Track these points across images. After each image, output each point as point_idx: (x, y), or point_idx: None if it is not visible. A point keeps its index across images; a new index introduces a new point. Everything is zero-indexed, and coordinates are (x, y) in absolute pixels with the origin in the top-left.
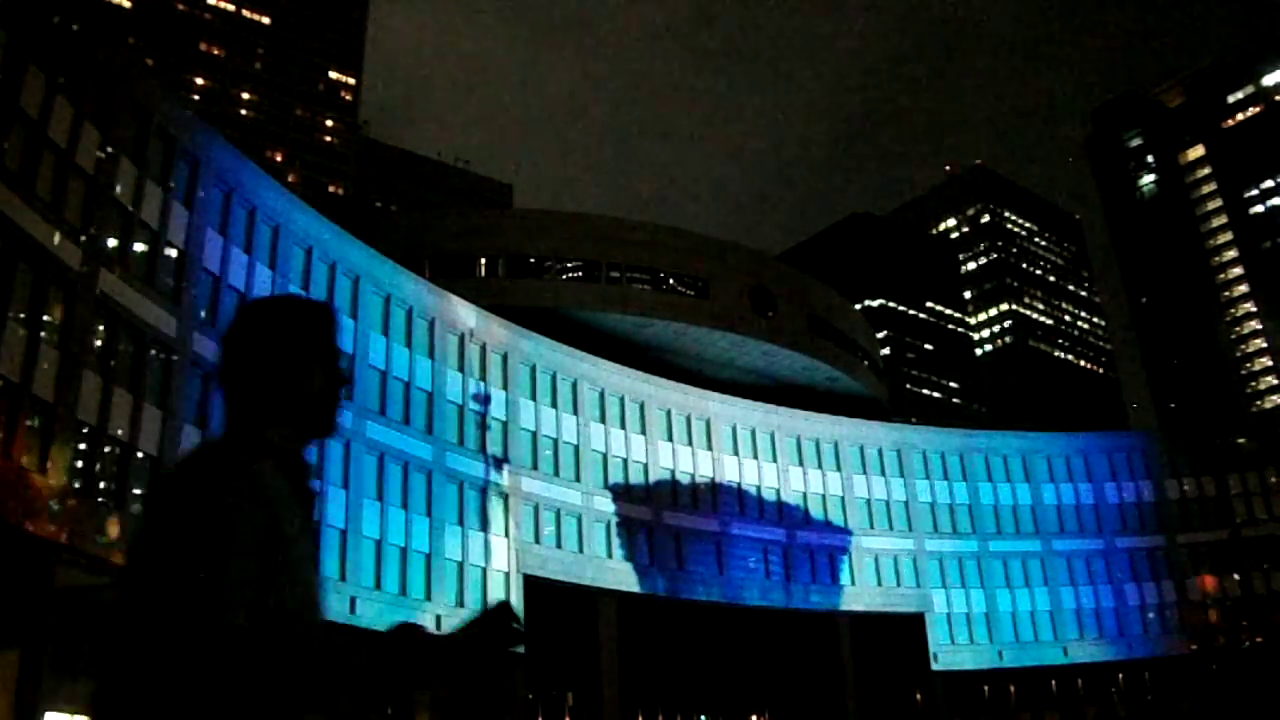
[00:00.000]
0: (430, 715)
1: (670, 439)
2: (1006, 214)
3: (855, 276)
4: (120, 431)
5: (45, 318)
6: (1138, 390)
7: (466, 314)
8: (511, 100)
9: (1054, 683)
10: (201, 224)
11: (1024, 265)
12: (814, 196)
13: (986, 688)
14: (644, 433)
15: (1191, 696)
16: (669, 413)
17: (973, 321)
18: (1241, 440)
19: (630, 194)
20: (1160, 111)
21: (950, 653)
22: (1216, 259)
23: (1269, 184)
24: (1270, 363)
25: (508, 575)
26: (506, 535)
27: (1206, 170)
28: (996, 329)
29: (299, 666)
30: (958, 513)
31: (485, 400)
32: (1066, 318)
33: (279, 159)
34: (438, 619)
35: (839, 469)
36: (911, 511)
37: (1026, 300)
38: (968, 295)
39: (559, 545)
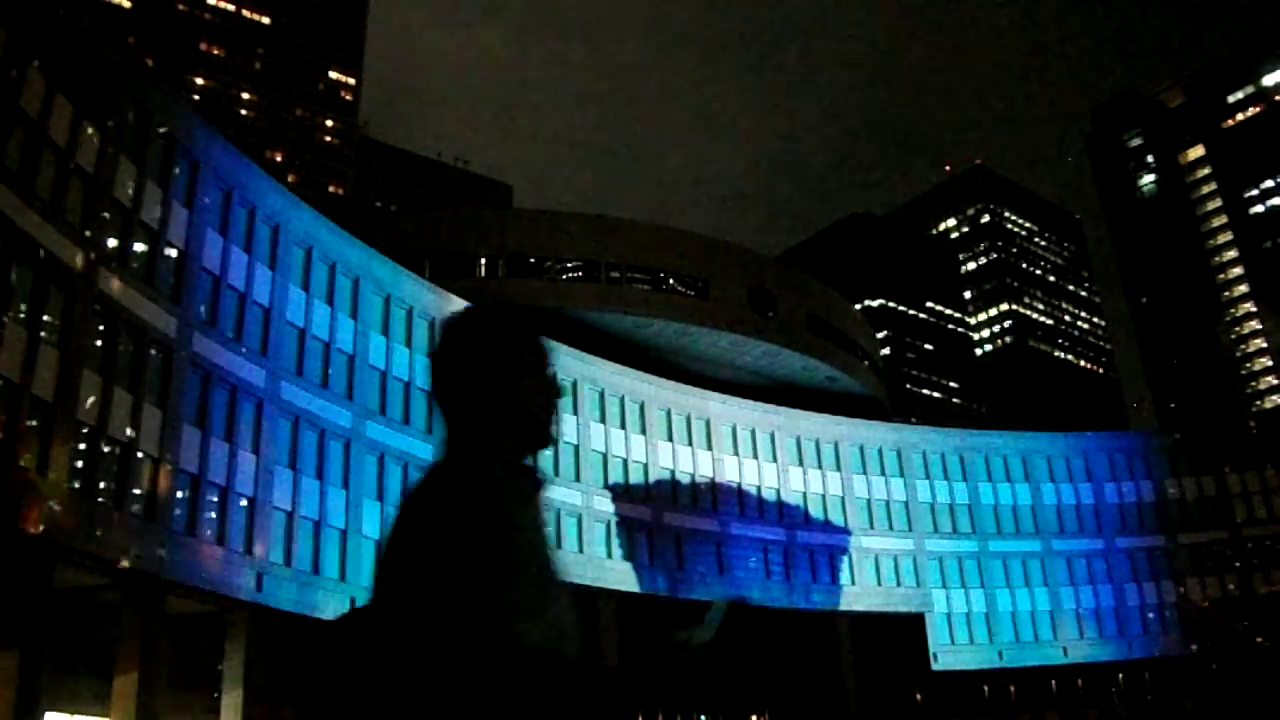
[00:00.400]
0: None
1: (670, 439)
2: (1006, 214)
3: (855, 276)
4: (120, 432)
5: (45, 318)
6: (1138, 390)
7: None
8: (511, 100)
9: (1054, 683)
10: (201, 224)
11: (1024, 265)
12: (814, 196)
13: (986, 688)
14: (644, 433)
15: (1192, 696)
16: (669, 413)
17: (973, 321)
18: (1241, 440)
19: (630, 194)
20: (1160, 111)
21: (950, 653)
22: (1216, 259)
23: (1269, 184)
24: (1270, 363)
25: None
26: None
27: (1206, 170)
28: (996, 329)
29: (585, 687)
30: (958, 513)
31: None
32: (1066, 318)
33: (279, 159)
34: None
35: (839, 469)
36: (911, 511)
37: (1026, 300)
38: (968, 295)
39: (559, 545)
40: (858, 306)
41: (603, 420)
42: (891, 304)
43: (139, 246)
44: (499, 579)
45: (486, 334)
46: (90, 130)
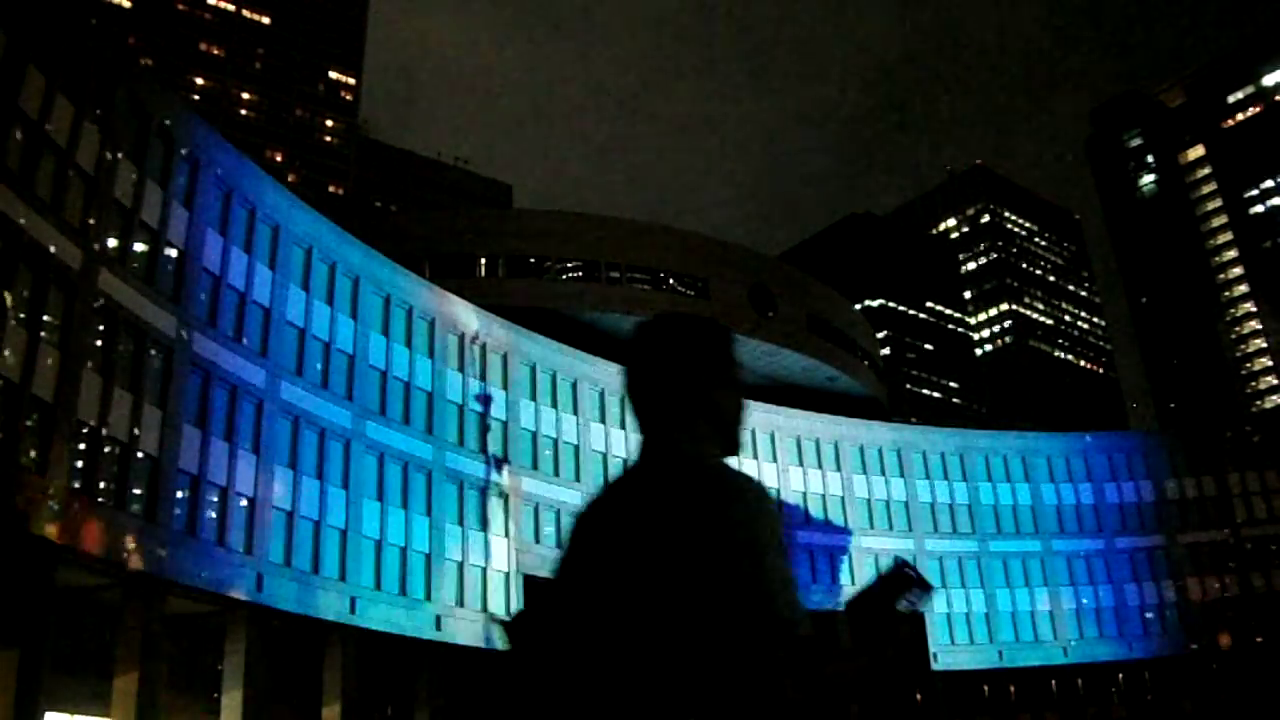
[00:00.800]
0: (430, 715)
1: None
2: (1006, 214)
3: (855, 276)
4: (120, 431)
5: (45, 318)
6: (1138, 390)
7: (466, 314)
8: (511, 100)
9: (1054, 682)
10: (201, 224)
11: (1024, 265)
12: (814, 196)
13: (986, 687)
14: None
15: (1192, 696)
16: None
17: (973, 321)
18: (1241, 440)
19: (630, 194)
20: (1160, 111)
21: (950, 652)
22: (1216, 259)
23: (1269, 184)
24: (1270, 363)
25: (508, 575)
26: (506, 535)
27: (1206, 170)
28: (996, 329)
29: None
30: (958, 513)
31: (487, 400)
32: (1066, 318)
33: (279, 159)
34: (437, 619)
35: (839, 469)
36: (911, 511)
37: (1026, 300)
38: (968, 295)
39: (559, 545)
40: (858, 306)
41: (603, 420)
42: (891, 304)
43: (139, 246)
44: (764, 560)
45: (688, 343)
46: (90, 130)
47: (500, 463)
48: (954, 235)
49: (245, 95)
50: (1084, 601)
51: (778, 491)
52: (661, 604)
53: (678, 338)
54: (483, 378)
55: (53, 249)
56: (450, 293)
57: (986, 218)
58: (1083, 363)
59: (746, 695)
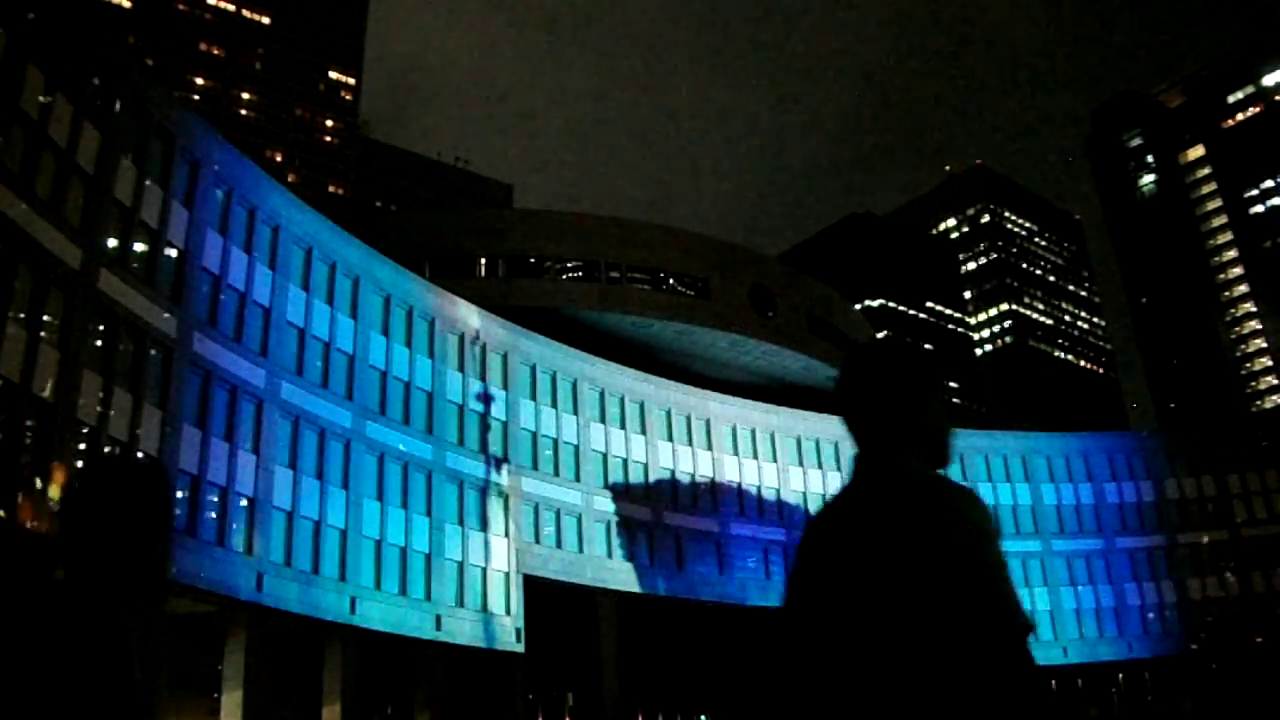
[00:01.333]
0: (430, 715)
1: (670, 439)
2: (1006, 214)
3: (855, 276)
4: (120, 431)
5: (45, 318)
6: (1138, 390)
7: (467, 314)
8: (511, 100)
9: (1054, 682)
10: (201, 224)
11: (1024, 265)
12: (814, 196)
13: None
14: (644, 433)
15: (1192, 696)
16: (669, 413)
17: (973, 321)
18: (1241, 440)
19: (630, 194)
20: (1160, 111)
21: None
22: (1216, 259)
23: (1269, 184)
24: (1270, 363)
25: (508, 575)
26: (506, 535)
27: (1206, 170)
28: (996, 329)
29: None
30: None
31: (488, 400)
32: (1066, 318)
33: (279, 159)
34: (437, 619)
35: (839, 469)
36: None
37: (1026, 300)
38: (968, 295)
39: (559, 545)
40: (858, 306)
41: (603, 420)
42: (891, 304)
43: (139, 246)
44: (1002, 566)
45: (910, 366)
46: (90, 130)
47: (500, 463)
48: (954, 235)
49: (245, 95)
50: (1084, 601)
51: (777, 492)
52: (921, 608)
53: (900, 363)
54: (482, 378)
55: (53, 249)
56: (450, 293)
57: (986, 218)
58: (1083, 363)
59: (1000, 693)
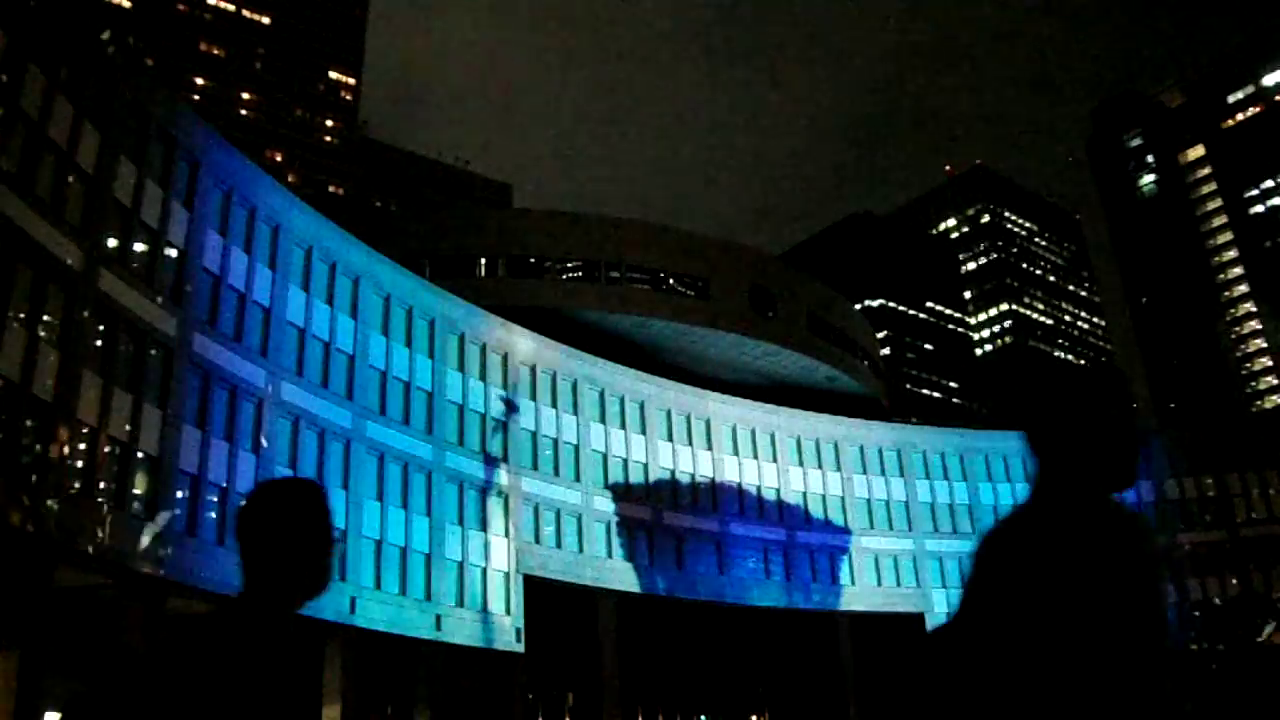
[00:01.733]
0: (430, 715)
1: (670, 439)
2: (1006, 214)
3: (855, 276)
4: (120, 431)
5: (45, 318)
6: (1138, 390)
7: (467, 314)
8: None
9: None
10: (201, 224)
11: (1024, 265)
12: (814, 196)
13: None
14: (644, 433)
15: (1192, 696)
16: (669, 413)
17: (973, 321)
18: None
19: (630, 194)
20: (1160, 111)
21: None
22: (1216, 259)
23: (1269, 184)
24: (1270, 363)
25: (508, 575)
26: (506, 535)
27: (1206, 170)
28: (996, 329)
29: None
30: (958, 513)
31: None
32: (1066, 318)
33: (279, 159)
34: (437, 619)
35: (839, 469)
36: (911, 511)
37: (1026, 300)
38: (968, 295)
39: (559, 545)
40: (858, 306)
41: (603, 420)
42: (891, 304)
43: (139, 246)
44: (1165, 593)
45: (1101, 396)
46: (90, 130)
47: (500, 463)
48: (954, 235)
49: (245, 95)
50: None
51: (777, 492)
52: (1104, 632)
53: (1092, 391)
54: (482, 378)
55: (53, 249)
56: (450, 293)
57: (986, 218)
58: (1083, 363)
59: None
